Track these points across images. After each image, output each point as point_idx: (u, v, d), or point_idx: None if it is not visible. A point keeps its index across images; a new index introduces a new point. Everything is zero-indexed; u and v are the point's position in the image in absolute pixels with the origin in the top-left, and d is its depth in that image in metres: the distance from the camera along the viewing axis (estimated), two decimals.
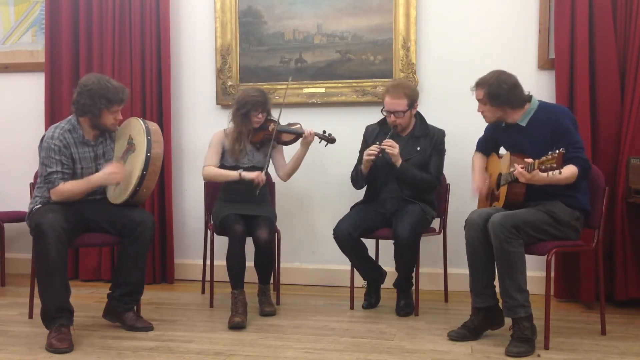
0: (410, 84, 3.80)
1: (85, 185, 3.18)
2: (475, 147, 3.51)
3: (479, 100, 3.16)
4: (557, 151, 2.68)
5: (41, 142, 3.22)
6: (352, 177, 3.72)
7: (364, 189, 3.75)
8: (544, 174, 2.74)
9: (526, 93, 3.12)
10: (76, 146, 3.23)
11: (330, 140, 3.67)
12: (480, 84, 3.14)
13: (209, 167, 3.64)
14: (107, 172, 3.17)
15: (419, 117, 3.67)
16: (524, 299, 2.91)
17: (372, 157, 3.48)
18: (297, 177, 3.81)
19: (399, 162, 3.50)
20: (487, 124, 3.34)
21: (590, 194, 3.14)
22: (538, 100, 3.16)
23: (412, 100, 3.55)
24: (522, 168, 2.82)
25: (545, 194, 2.99)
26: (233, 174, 3.57)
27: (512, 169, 2.96)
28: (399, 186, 3.58)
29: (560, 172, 2.70)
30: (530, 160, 2.83)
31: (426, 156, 3.59)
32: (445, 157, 3.68)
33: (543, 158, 2.74)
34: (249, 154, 3.66)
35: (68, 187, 3.15)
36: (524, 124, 3.11)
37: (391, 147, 3.46)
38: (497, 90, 3.05)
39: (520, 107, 3.11)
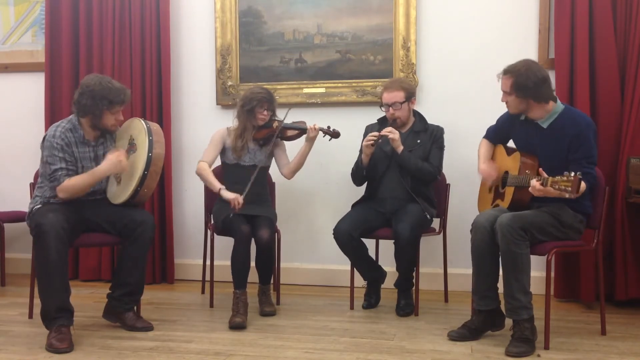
0: (407, 80, 3.83)
1: (91, 178, 3.16)
2: (481, 137, 3.44)
3: (504, 91, 3.06)
4: (574, 175, 2.64)
5: (43, 141, 3.21)
6: (352, 172, 3.73)
7: (364, 186, 3.75)
8: (556, 192, 2.71)
9: (553, 90, 3.04)
10: (77, 145, 3.23)
11: (335, 134, 3.66)
12: (508, 72, 3.02)
13: (204, 164, 3.63)
14: (111, 160, 3.15)
15: (418, 115, 3.69)
16: (527, 301, 2.91)
17: (371, 142, 3.50)
18: (297, 177, 3.81)
19: (400, 148, 3.51)
20: (500, 114, 3.30)
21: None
22: (563, 104, 3.08)
23: (409, 93, 3.59)
24: (537, 182, 2.78)
25: (551, 198, 2.97)
26: (215, 186, 3.56)
27: (523, 177, 2.93)
28: (400, 176, 3.58)
29: (573, 197, 2.67)
30: (544, 175, 2.80)
31: (426, 149, 3.60)
32: (446, 156, 3.68)
33: (557, 178, 2.70)
34: (250, 152, 3.66)
35: (73, 182, 3.13)
36: (545, 125, 3.04)
37: (391, 132, 3.48)
38: (525, 82, 2.94)
39: (544, 102, 3.01)
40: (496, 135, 3.37)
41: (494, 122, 3.37)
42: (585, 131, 2.95)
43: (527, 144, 3.10)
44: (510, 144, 3.30)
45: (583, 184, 2.81)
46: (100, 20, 4.34)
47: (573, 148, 2.93)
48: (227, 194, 3.49)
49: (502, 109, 3.20)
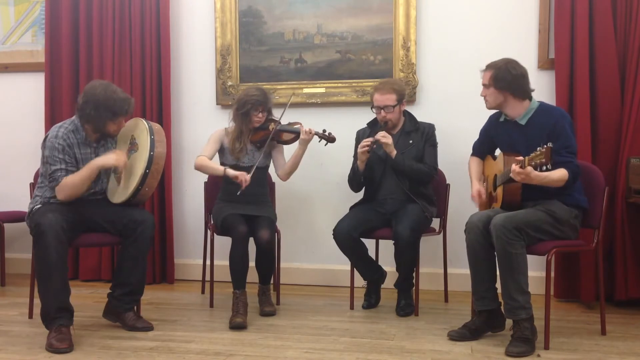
0: (399, 80, 3.84)
1: (87, 172, 3.13)
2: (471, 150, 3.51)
3: (484, 84, 3.16)
4: (545, 146, 2.68)
5: (44, 141, 3.21)
6: (349, 178, 3.73)
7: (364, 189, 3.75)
8: (537, 172, 2.75)
9: (531, 89, 3.12)
10: (79, 147, 3.23)
11: (330, 139, 3.66)
12: (489, 66, 3.14)
13: (202, 157, 3.61)
14: (108, 155, 3.16)
15: (408, 115, 3.70)
16: (525, 301, 2.91)
17: (367, 149, 3.50)
18: (296, 177, 3.81)
19: (393, 152, 3.52)
20: (482, 126, 3.36)
21: (589, 194, 3.14)
22: (538, 101, 3.16)
23: (401, 95, 3.59)
24: (516, 166, 2.82)
25: (542, 193, 3.00)
26: (219, 169, 3.56)
27: (506, 169, 2.97)
28: (397, 179, 3.58)
29: (548, 168, 2.70)
30: (520, 157, 2.84)
31: (420, 149, 3.61)
32: (445, 156, 3.69)
33: (532, 154, 2.74)
34: (249, 153, 3.66)
35: (70, 179, 3.12)
36: (523, 122, 3.11)
37: (384, 137, 3.48)
38: (504, 74, 3.06)
39: (521, 98, 3.10)
40: (481, 145, 3.43)
41: None
42: (560, 121, 3.02)
43: (510, 144, 3.15)
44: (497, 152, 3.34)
45: (565, 171, 2.88)
46: (100, 20, 4.34)
47: (551, 139, 2.95)
48: (233, 172, 3.49)
49: None
